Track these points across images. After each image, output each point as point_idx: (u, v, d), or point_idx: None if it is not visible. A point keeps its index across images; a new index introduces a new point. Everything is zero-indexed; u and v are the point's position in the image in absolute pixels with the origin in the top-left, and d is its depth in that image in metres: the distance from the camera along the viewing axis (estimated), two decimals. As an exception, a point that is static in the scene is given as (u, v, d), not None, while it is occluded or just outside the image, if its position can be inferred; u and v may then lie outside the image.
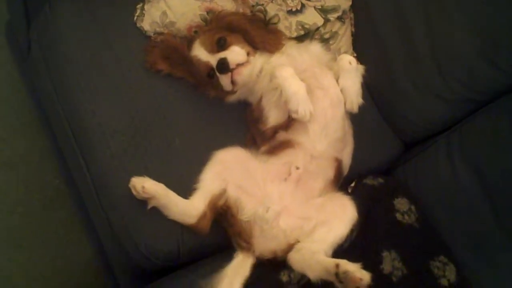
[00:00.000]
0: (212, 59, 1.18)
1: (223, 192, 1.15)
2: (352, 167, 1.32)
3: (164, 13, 1.25)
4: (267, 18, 1.33)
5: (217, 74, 1.17)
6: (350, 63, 1.19)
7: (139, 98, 1.20)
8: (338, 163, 1.24)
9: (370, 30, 1.44)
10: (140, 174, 1.12)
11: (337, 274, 0.97)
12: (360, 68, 1.22)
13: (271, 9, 1.33)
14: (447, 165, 1.28)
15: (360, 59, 1.48)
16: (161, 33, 1.27)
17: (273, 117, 1.21)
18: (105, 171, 1.14)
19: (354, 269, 0.97)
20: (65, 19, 1.21)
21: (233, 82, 1.18)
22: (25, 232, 1.59)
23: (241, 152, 1.21)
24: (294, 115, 1.10)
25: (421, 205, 1.30)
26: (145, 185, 1.08)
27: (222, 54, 1.16)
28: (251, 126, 1.28)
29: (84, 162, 1.17)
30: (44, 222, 1.61)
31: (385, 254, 1.16)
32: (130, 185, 1.09)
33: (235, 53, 1.17)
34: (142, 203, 1.11)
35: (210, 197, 1.14)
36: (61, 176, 1.63)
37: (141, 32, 1.27)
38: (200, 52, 1.20)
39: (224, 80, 1.18)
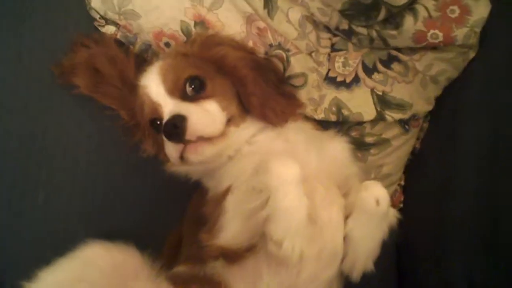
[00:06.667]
0: (166, 106, 0.69)
1: None
2: None
3: (129, -4, 0.76)
4: (287, 72, 0.80)
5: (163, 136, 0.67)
6: (377, 202, 0.67)
7: (19, 116, 0.73)
8: None
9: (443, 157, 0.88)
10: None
11: None
12: (392, 214, 0.71)
13: (298, 63, 0.80)
14: None
15: (406, 193, 0.94)
16: (111, 22, 0.77)
17: (232, 231, 0.67)
18: None
19: None
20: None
21: (182, 158, 0.67)
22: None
23: (129, 259, 0.70)
24: (272, 247, 0.61)
25: None
26: None
27: (184, 108, 0.67)
28: (188, 225, 0.79)
29: None
30: None
31: None
32: None
33: (205, 117, 0.68)
34: None
35: None
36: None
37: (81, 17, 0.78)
38: (154, 85, 0.71)
39: (171, 149, 0.69)
